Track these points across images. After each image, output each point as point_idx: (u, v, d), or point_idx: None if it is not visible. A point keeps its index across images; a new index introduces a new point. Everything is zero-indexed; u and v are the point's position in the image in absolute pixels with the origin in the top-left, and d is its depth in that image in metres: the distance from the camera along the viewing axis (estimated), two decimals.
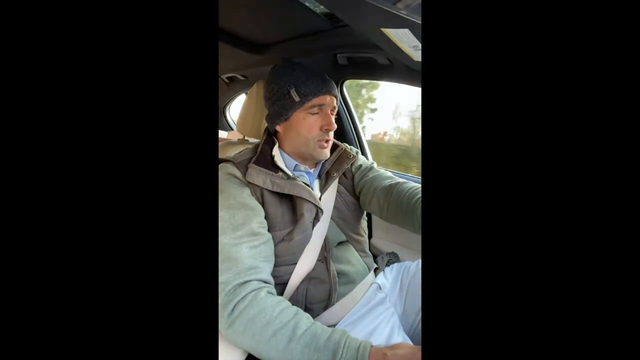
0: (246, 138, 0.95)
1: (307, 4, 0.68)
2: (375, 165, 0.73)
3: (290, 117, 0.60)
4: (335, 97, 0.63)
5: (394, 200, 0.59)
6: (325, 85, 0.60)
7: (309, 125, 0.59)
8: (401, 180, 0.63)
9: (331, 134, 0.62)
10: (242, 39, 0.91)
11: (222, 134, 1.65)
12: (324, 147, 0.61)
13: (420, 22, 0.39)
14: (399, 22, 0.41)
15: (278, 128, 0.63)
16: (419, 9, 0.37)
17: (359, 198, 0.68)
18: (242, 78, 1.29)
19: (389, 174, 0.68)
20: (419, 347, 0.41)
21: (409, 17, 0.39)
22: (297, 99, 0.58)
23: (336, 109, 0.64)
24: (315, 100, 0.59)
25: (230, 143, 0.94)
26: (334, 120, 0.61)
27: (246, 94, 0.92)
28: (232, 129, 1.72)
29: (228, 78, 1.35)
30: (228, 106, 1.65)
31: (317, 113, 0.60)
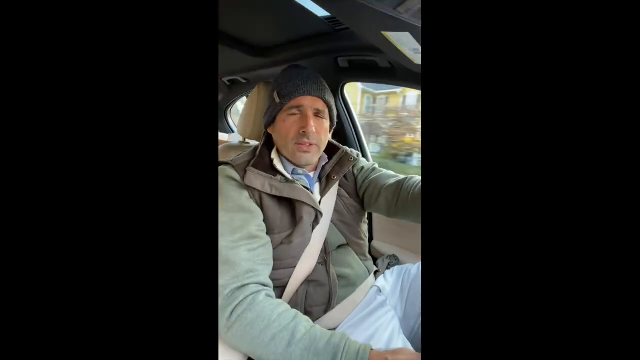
0: (247, 140, 0.95)
1: (308, 7, 0.68)
2: (376, 165, 0.73)
3: (276, 120, 0.61)
4: (322, 99, 0.60)
5: (404, 195, 0.59)
6: (305, 86, 0.58)
7: (288, 127, 0.59)
8: (407, 176, 0.63)
9: (316, 137, 0.58)
10: (242, 41, 0.92)
11: (223, 136, 1.65)
12: (303, 151, 0.58)
13: (420, 25, 0.39)
14: (400, 26, 0.42)
15: (269, 130, 0.64)
16: (419, 13, 0.37)
17: (363, 199, 0.68)
18: (243, 81, 1.29)
19: (392, 172, 0.68)
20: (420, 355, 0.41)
21: (409, 21, 0.39)
22: (277, 100, 0.59)
23: (326, 112, 0.61)
24: (293, 102, 0.58)
25: (230, 145, 0.94)
26: (311, 123, 0.57)
27: (247, 96, 0.93)
28: (233, 132, 1.72)
29: (229, 81, 1.36)
30: (229, 109, 1.65)
31: (296, 114, 0.59)
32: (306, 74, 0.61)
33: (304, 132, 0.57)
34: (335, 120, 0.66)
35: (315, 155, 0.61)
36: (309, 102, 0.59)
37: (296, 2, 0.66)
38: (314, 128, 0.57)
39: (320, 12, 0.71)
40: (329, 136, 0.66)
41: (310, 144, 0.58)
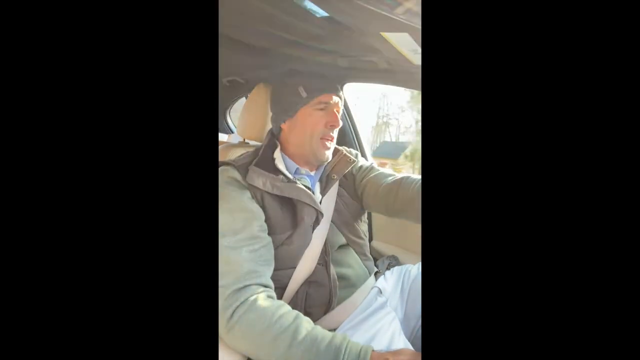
0: (247, 141, 0.95)
1: (307, 8, 0.68)
2: (375, 164, 0.73)
3: (297, 113, 0.62)
4: (341, 99, 0.64)
5: (402, 194, 0.59)
6: (332, 84, 0.62)
7: (315, 121, 0.60)
8: (404, 175, 0.64)
9: (335, 135, 0.62)
10: (242, 42, 0.91)
11: (223, 136, 1.65)
12: (326, 147, 0.61)
13: (418, 26, 0.40)
14: (398, 27, 0.42)
15: (283, 126, 0.64)
16: (417, 14, 0.37)
17: (362, 198, 0.68)
18: (242, 81, 1.29)
19: (390, 171, 0.69)
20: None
21: (407, 22, 0.39)
22: (304, 94, 0.60)
23: (341, 112, 0.64)
24: (322, 97, 0.60)
25: (230, 146, 0.94)
26: (339, 118, 0.61)
27: (247, 97, 0.93)
28: (232, 132, 1.72)
29: (229, 81, 1.35)
30: (229, 109, 1.65)
31: (323, 109, 0.61)
32: (325, 75, 0.64)
33: (332, 126, 0.60)
34: None
35: (332, 152, 0.63)
36: (335, 100, 0.62)
37: (295, 2, 0.66)
38: (341, 123, 0.61)
39: (319, 12, 0.71)
40: None
41: (331, 139, 0.62)
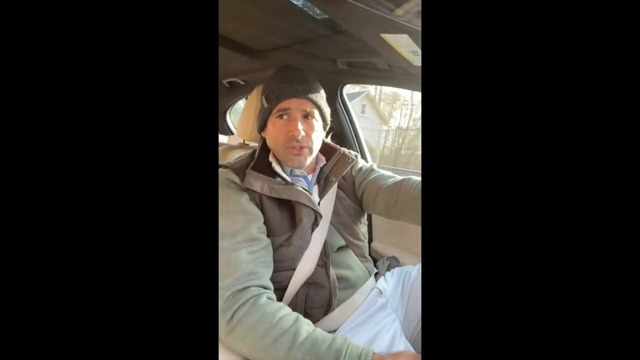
0: (246, 142, 0.95)
1: (307, 9, 0.69)
2: (375, 166, 0.73)
3: (267, 125, 0.61)
4: (309, 100, 0.58)
5: (403, 196, 0.59)
6: (291, 88, 0.57)
7: (277, 131, 0.58)
8: (405, 177, 0.63)
9: (306, 140, 0.57)
10: (242, 44, 0.92)
11: (223, 138, 1.66)
12: (295, 154, 0.57)
13: (417, 28, 0.40)
14: (398, 29, 0.42)
15: (263, 134, 0.64)
16: (417, 16, 0.37)
17: (362, 200, 0.67)
18: (242, 83, 1.30)
19: (390, 173, 0.68)
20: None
21: (407, 24, 0.39)
22: (266, 105, 0.59)
23: (315, 113, 0.59)
24: (280, 105, 0.57)
25: (230, 147, 0.94)
26: (298, 126, 0.56)
27: (246, 98, 0.93)
28: (232, 133, 1.72)
29: (228, 83, 1.36)
30: (229, 110, 1.66)
31: (283, 117, 0.58)
32: (293, 75, 0.59)
33: (292, 135, 0.56)
34: (329, 119, 0.64)
35: (307, 158, 0.59)
36: (296, 105, 0.57)
37: (295, 4, 0.66)
38: (302, 131, 0.56)
39: (319, 14, 0.71)
40: (324, 136, 0.65)
41: (301, 147, 0.57)
